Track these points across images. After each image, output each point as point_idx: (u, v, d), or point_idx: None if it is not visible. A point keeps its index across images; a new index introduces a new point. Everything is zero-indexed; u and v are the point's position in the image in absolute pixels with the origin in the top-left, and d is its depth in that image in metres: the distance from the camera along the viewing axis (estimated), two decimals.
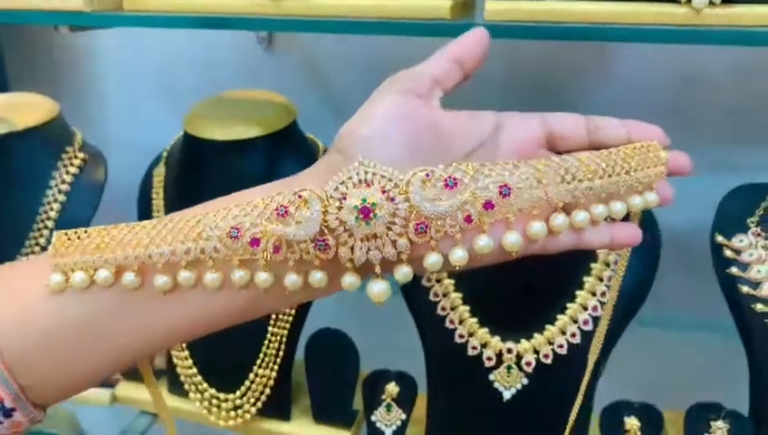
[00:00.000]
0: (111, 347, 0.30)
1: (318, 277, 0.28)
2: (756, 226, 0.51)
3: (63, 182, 0.63)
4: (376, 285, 0.29)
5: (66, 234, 0.30)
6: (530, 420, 0.53)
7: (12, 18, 0.52)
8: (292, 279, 0.28)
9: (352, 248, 0.28)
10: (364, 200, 0.27)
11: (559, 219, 0.30)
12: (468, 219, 0.28)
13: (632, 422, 0.50)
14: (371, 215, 0.27)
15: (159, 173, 0.62)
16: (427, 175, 0.27)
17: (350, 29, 0.46)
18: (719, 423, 0.49)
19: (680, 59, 0.66)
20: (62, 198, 0.62)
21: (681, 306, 0.66)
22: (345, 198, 0.27)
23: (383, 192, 0.27)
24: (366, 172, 0.27)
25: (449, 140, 0.30)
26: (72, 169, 0.63)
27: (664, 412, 0.51)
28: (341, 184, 0.27)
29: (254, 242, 0.28)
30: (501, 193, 0.28)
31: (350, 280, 0.29)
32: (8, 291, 0.30)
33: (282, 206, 0.28)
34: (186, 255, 0.28)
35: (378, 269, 0.28)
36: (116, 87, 0.88)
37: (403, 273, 0.28)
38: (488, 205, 0.28)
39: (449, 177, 0.28)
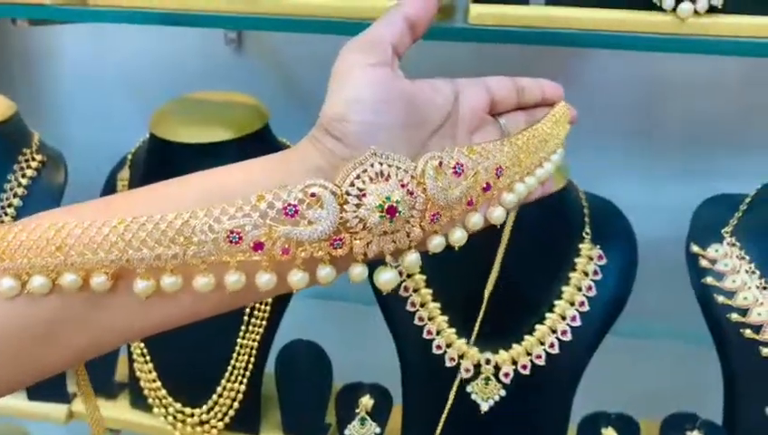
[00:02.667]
0: (76, 347, 0.26)
1: (326, 272, 0.27)
2: (731, 236, 0.52)
3: (20, 185, 0.60)
4: (386, 274, 0.28)
5: (11, 230, 0.25)
6: (507, 433, 0.52)
7: None
8: (297, 277, 0.27)
9: (368, 243, 0.27)
10: (388, 199, 0.26)
11: (521, 187, 0.32)
12: (470, 203, 0.29)
13: (609, 433, 0.50)
14: (396, 214, 0.26)
15: (124, 177, 0.60)
16: (440, 163, 0.27)
17: (323, 29, 0.45)
18: (695, 433, 0.49)
19: (654, 66, 0.67)
20: (17, 202, 0.59)
21: (657, 316, 0.67)
22: (364, 195, 0.26)
23: (402, 186, 0.26)
24: (381, 164, 0.26)
25: (424, 113, 0.29)
26: (29, 172, 0.60)
27: (640, 422, 0.51)
28: (357, 178, 0.26)
29: (258, 246, 0.25)
30: (496, 174, 0.30)
31: (359, 271, 0.28)
32: None
33: (290, 205, 0.25)
34: (173, 259, 0.25)
35: (389, 259, 0.28)
36: (77, 86, 0.85)
37: (410, 259, 0.28)
38: (487, 187, 0.30)
39: (457, 163, 0.28)
